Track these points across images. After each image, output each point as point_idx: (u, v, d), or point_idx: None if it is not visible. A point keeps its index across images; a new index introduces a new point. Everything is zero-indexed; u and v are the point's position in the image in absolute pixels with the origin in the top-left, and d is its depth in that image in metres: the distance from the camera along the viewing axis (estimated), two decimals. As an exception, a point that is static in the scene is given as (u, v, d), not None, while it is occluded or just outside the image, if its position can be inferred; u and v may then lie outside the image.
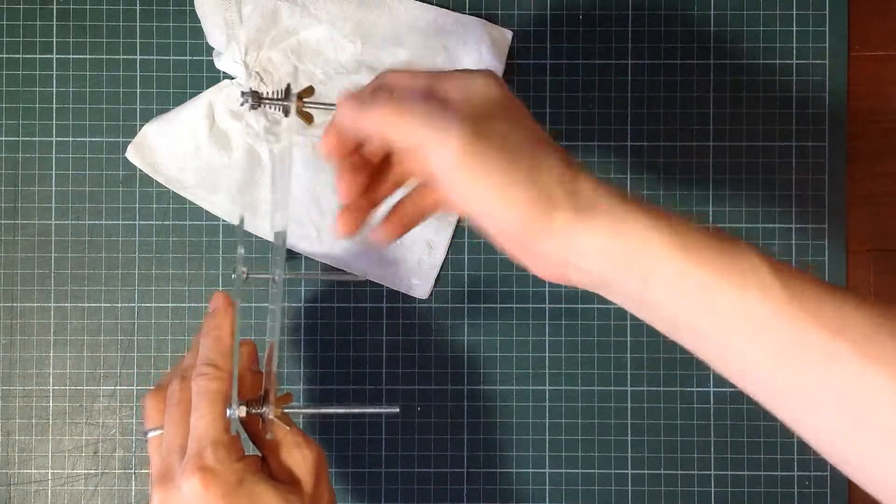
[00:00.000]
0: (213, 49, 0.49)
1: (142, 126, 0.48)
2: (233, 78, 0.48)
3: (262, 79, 0.48)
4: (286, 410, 0.37)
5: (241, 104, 0.37)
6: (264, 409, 0.36)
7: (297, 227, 0.48)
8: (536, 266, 0.33)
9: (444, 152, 0.31)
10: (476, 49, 0.48)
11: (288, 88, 0.37)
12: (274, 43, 0.48)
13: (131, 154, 0.48)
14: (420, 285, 0.49)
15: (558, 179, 0.31)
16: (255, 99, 0.37)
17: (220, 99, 0.48)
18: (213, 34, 0.48)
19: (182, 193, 0.48)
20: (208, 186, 0.48)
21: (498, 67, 0.49)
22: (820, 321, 0.29)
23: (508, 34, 0.49)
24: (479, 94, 0.33)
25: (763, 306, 0.29)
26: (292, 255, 0.49)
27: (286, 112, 0.37)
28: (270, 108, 0.37)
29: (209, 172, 0.48)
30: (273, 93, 0.37)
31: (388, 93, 0.34)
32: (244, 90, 0.36)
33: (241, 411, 0.36)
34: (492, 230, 0.33)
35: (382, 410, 0.44)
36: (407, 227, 0.37)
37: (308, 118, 0.37)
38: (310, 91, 0.37)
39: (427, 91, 0.34)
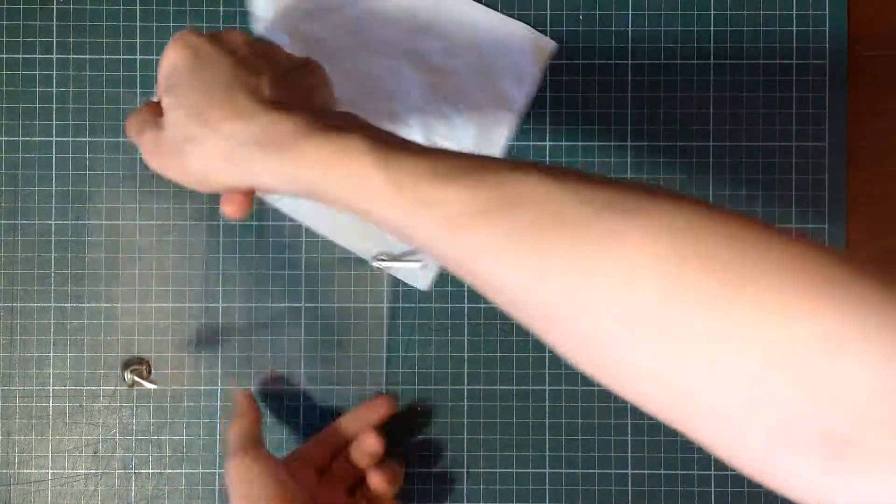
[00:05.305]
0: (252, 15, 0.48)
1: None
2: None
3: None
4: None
5: None
6: None
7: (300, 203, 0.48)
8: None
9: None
10: (515, 53, 0.48)
11: None
12: (317, 15, 0.48)
13: None
14: (423, 275, 0.49)
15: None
16: None
17: None
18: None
19: None
20: None
21: (536, 75, 0.48)
22: (426, 212, 0.29)
23: (552, 44, 0.49)
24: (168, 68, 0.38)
25: (377, 205, 0.30)
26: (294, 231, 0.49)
27: None
28: None
29: None
30: None
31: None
32: None
33: None
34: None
35: None
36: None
37: None
38: None
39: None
